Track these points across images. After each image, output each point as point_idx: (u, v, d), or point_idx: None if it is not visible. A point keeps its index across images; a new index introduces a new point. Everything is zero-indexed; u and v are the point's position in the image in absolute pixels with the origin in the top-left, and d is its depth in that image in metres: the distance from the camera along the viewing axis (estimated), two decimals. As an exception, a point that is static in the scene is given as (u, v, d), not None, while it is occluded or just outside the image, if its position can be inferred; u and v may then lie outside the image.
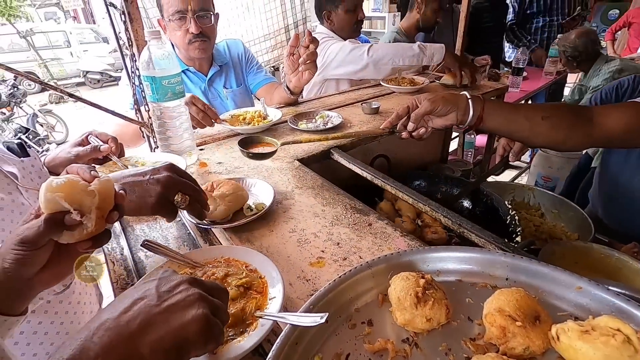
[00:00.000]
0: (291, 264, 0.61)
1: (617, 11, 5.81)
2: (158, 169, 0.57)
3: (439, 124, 0.88)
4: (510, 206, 1.10)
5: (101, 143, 0.87)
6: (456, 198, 1.21)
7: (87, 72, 9.57)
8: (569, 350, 0.39)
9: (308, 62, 1.21)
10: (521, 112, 0.85)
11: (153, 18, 1.85)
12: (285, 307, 0.52)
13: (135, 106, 0.99)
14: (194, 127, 1.12)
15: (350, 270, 0.51)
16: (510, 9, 3.20)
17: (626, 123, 0.82)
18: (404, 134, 0.93)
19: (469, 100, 0.82)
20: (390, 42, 2.24)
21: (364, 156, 1.25)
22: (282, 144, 0.91)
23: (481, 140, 3.19)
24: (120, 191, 0.47)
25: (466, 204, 1.21)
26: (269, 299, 0.51)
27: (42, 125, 5.57)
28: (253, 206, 0.74)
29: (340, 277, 0.51)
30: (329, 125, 1.20)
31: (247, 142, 0.95)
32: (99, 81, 9.66)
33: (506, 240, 0.98)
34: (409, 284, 0.47)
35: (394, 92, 1.58)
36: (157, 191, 0.54)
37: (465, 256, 0.54)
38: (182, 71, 1.47)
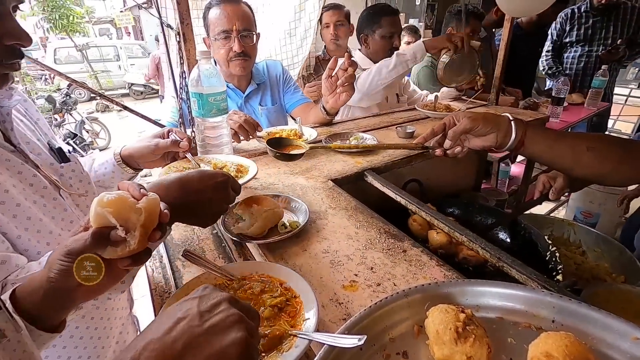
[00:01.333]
0: (324, 286, 0.61)
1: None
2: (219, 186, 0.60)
3: (477, 144, 0.84)
4: (550, 242, 1.05)
5: (180, 139, 0.90)
6: (491, 228, 1.17)
7: (132, 84, 10.22)
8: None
9: (346, 84, 1.23)
10: (566, 141, 0.81)
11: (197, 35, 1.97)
12: (317, 330, 0.51)
13: (181, 120, 1.05)
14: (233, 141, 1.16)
15: (387, 298, 0.50)
16: (549, 37, 3.13)
17: None
18: (438, 152, 0.90)
19: (512, 122, 0.79)
20: (423, 67, 2.26)
21: (397, 180, 1.24)
22: (311, 148, 0.92)
23: (515, 170, 3.08)
24: (165, 210, 0.47)
25: (502, 235, 1.17)
26: (303, 320, 0.50)
27: (87, 132, 5.95)
28: (287, 224, 0.75)
29: (376, 303, 0.50)
30: (363, 147, 1.20)
31: (276, 144, 0.97)
32: (142, 93, 10.26)
33: (546, 277, 0.94)
34: (448, 318, 0.46)
35: (428, 117, 1.57)
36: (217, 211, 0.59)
37: (508, 293, 0.52)
38: None
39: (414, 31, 3.73)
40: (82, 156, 0.99)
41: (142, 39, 13.47)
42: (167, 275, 0.65)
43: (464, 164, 1.68)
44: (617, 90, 5.25)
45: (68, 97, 5.68)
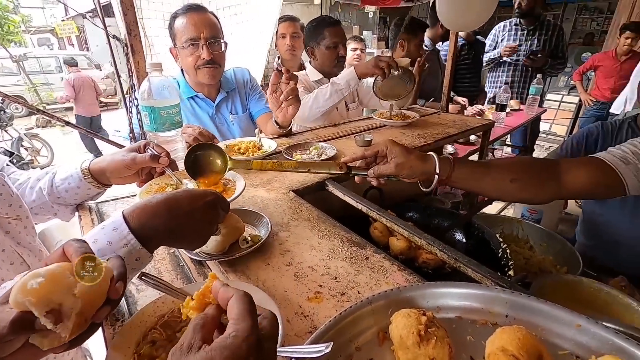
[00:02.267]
0: (288, 300, 0.60)
1: (589, 54, 6.24)
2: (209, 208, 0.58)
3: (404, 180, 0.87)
4: (501, 239, 1.12)
5: (159, 154, 0.83)
6: (447, 230, 1.22)
7: (78, 97, 9.57)
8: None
9: (289, 97, 1.24)
10: (490, 174, 0.86)
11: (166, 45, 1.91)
12: (283, 346, 0.50)
13: (131, 135, 1.00)
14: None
15: (351, 307, 0.51)
16: (487, 46, 3.39)
17: (590, 180, 0.86)
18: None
19: (436, 167, 0.81)
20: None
21: (357, 188, 1.26)
22: (232, 168, 0.85)
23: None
24: (118, 284, 0.41)
25: (458, 236, 1.22)
26: (268, 337, 0.49)
27: (26, 150, 5.47)
28: (249, 238, 0.73)
29: (340, 314, 0.50)
30: (324, 156, 1.22)
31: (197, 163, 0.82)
32: (89, 106, 9.63)
33: (499, 274, 1.00)
34: (410, 322, 0.47)
35: (385, 125, 1.62)
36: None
37: (465, 292, 0.54)
38: (191, 97, 1.51)
39: (359, 40, 3.86)
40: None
41: (88, 50, 12.73)
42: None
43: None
44: (550, 96, 5.78)
45: (2, 112, 5.20)
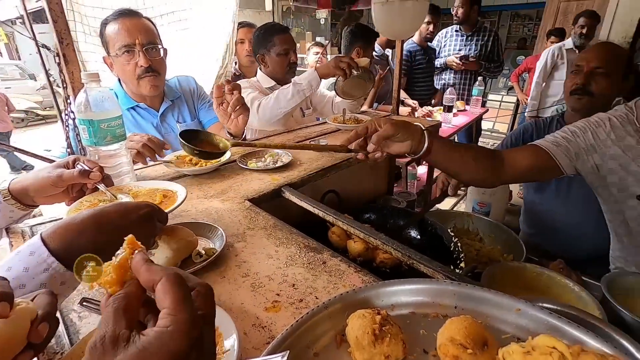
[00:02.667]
0: (245, 312, 0.59)
1: (523, 57, 6.80)
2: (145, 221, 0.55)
3: (395, 150, 0.90)
4: (452, 233, 1.18)
5: (89, 169, 0.76)
6: (403, 228, 1.26)
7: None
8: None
9: (237, 108, 1.22)
10: (459, 151, 0.95)
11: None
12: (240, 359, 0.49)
13: (69, 150, 0.93)
14: (135, 162, 1.07)
15: (307, 313, 0.51)
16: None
17: (529, 163, 0.98)
18: (360, 155, 0.93)
19: (424, 132, 0.88)
20: (333, 82, 2.38)
21: (314, 193, 1.27)
22: (233, 145, 0.91)
23: (420, 171, 3.42)
24: (40, 326, 0.36)
25: (413, 233, 1.27)
26: (223, 353, 0.48)
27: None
28: (203, 252, 0.71)
29: (297, 321, 0.50)
30: (279, 163, 1.21)
31: (191, 138, 0.88)
32: (23, 120, 8.83)
33: (452, 268, 1.05)
34: (365, 322, 0.48)
35: (339, 129, 1.65)
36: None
37: (416, 288, 0.56)
38: (132, 107, 1.43)
39: (320, 45, 3.96)
40: None
41: (19, 59, 11.67)
42: (58, 332, 0.56)
43: (377, 170, 1.80)
44: (492, 97, 6.22)
45: None
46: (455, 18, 3.32)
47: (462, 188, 3.87)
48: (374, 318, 0.48)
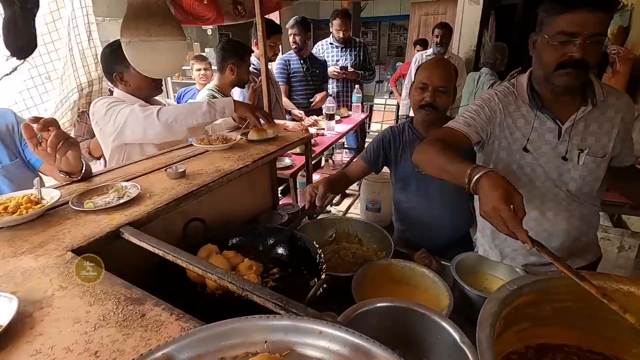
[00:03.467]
0: (24, 402, 0.49)
1: (401, 63, 7.61)
2: None
3: None
4: (317, 245, 1.21)
5: None
6: (273, 247, 1.26)
7: None
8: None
9: (60, 147, 1.05)
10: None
11: None
12: None
13: None
14: None
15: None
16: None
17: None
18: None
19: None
20: (208, 98, 2.29)
21: (171, 225, 1.19)
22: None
23: (316, 178, 3.54)
24: None
25: (281, 250, 1.28)
26: None
27: None
28: (-21, 334, 0.58)
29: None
30: (125, 198, 1.09)
31: None
32: None
33: (315, 280, 1.07)
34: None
35: (207, 150, 1.58)
36: None
37: (225, 330, 0.54)
38: None
39: (202, 58, 3.78)
40: None
41: None
42: None
43: (257, 185, 1.77)
44: (378, 100, 6.80)
45: None
46: (338, 38, 3.56)
47: (354, 189, 4.12)
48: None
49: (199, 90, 2.87)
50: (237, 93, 2.67)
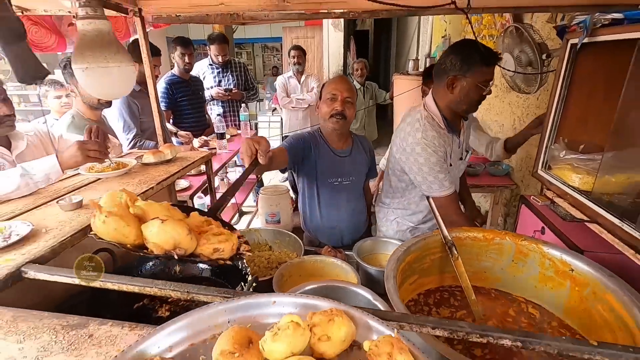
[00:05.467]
0: None
1: (278, 83, 8.05)
2: None
3: None
4: (238, 253, 1.28)
5: None
6: (194, 263, 1.28)
7: None
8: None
9: None
10: None
11: None
12: None
13: None
14: None
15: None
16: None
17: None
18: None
19: None
20: (70, 126, 2.07)
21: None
22: None
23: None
24: None
25: (203, 266, 1.30)
26: None
27: None
28: None
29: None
30: (14, 239, 0.97)
31: None
32: None
33: (243, 284, 1.15)
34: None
35: (99, 178, 1.47)
36: None
37: (188, 321, 0.60)
38: None
39: (59, 84, 3.30)
40: None
41: None
42: None
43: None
44: (261, 118, 7.01)
45: None
46: (217, 62, 3.62)
47: (251, 206, 4.15)
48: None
49: (57, 119, 2.46)
50: (114, 112, 2.48)
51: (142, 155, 1.66)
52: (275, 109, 7.04)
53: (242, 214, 4.37)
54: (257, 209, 3.82)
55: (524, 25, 1.90)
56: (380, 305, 0.98)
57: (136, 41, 2.84)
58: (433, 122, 1.50)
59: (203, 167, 2.72)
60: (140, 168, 1.61)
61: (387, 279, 0.90)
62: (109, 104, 2.24)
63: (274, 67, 12.56)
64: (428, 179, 1.48)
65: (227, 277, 1.29)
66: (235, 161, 3.97)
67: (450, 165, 1.56)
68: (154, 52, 2.66)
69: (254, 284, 1.09)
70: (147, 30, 3.32)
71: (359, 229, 1.97)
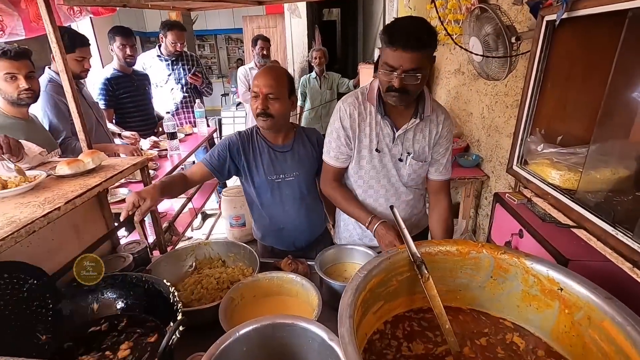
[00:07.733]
0: None
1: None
2: None
3: None
4: (169, 284, 1.05)
5: None
6: (115, 300, 1.04)
7: None
8: None
9: None
10: None
11: None
12: None
13: None
14: None
15: None
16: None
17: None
18: None
19: None
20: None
21: None
22: None
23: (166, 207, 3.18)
24: None
25: (123, 302, 1.07)
26: None
27: None
28: None
29: None
30: None
31: None
32: None
33: (172, 323, 0.92)
34: None
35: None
36: None
37: None
38: None
39: None
40: None
41: None
42: None
43: (88, 228, 1.45)
44: (225, 113, 6.67)
45: None
46: (172, 52, 3.29)
47: (214, 208, 3.88)
48: None
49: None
50: (39, 113, 2.14)
51: (56, 166, 1.37)
52: (240, 103, 6.70)
53: (205, 217, 4.09)
54: (220, 212, 3.55)
55: (491, 6, 1.75)
56: (336, 346, 0.79)
57: (67, 30, 2.48)
58: (363, 95, 1.42)
59: (151, 172, 2.43)
60: (52, 181, 1.32)
61: (341, 321, 0.71)
62: (31, 99, 1.89)
63: (238, 59, 12.06)
64: (326, 140, 1.50)
65: (156, 313, 1.06)
66: (194, 161, 3.66)
67: (377, 151, 1.42)
68: (82, 42, 2.32)
69: (180, 327, 0.86)
70: (85, 17, 2.97)
71: (314, 230, 1.77)
